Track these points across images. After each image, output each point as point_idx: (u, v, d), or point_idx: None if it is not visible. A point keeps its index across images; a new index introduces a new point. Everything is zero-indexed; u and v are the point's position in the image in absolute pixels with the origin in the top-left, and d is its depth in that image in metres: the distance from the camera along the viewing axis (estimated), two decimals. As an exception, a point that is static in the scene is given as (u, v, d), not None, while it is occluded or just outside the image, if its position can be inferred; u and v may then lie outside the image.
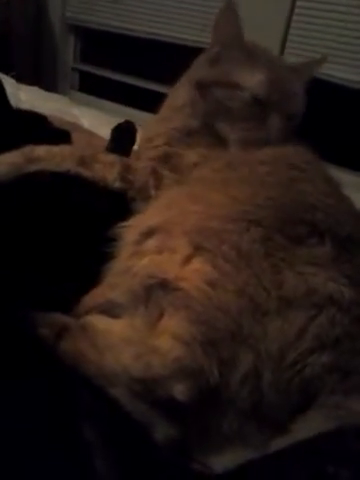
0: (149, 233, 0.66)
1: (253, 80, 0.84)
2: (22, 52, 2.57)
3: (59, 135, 0.93)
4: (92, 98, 2.55)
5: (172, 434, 0.53)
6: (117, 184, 0.83)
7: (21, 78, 1.87)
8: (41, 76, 2.69)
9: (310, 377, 0.52)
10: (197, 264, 0.58)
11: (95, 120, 1.42)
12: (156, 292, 0.59)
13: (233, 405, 0.52)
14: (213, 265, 0.57)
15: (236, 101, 0.86)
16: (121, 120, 1.17)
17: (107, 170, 0.83)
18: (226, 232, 0.60)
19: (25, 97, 1.36)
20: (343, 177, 0.88)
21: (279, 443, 0.51)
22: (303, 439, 0.49)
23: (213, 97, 0.88)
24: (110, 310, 0.65)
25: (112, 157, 0.86)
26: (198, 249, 0.60)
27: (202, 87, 0.89)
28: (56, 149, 0.85)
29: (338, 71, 1.93)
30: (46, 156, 0.82)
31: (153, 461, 0.49)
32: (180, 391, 0.51)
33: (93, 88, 2.67)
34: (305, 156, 0.84)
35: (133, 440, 0.50)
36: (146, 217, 0.71)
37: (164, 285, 0.59)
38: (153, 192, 0.83)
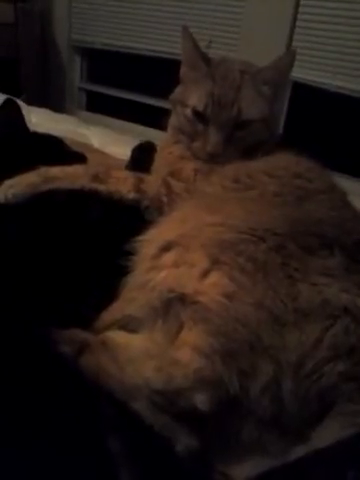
0: (166, 247, 0.68)
1: (194, 97, 0.92)
2: (30, 74, 2.63)
3: (75, 157, 0.95)
4: (99, 116, 2.59)
5: (193, 445, 0.54)
6: (131, 195, 0.85)
7: (29, 100, 1.92)
8: (49, 97, 2.75)
9: (327, 385, 0.53)
10: (214, 278, 0.60)
11: (105, 139, 1.46)
12: (175, 306, 0.61)
13: (253, 414, 0.54)
14: (230, 278, 0.59)
15: (184, 117, 0.94)
16: (130, 138, 1.21)
17: (121, 183, 0.87)
18: (242, 243, 0.62)
19: (36, 119, 1.40)
20: (346, 184, 0.91)
21: (298, 451, 0.52)
22: (322, 447, 0.50)
23: (178, 114, 0.97)
24: (128, 325, 0.67)
25: (125, 172, 0.90)
26: (215, 263, 0.61)
27: (173, 105, 0.99)
28: (70, 168, 0.88)
29: (340, 81, 1.96)
30: (61, 175, 0.86)
31: (176, 472, 0.50)
32: (201, 401, 0.53)
33: (100, 107, 2.72)
34: (307, 164, 0.88)
35: (156, 452, 0.51)
36: (162, 231, 0.73)
37: (183, 299, 0.60)
38: (165, 199, 0.86)
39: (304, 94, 2.13)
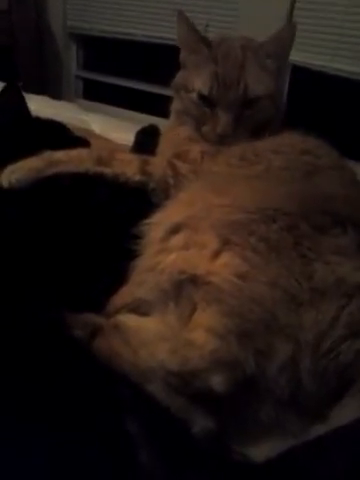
0: (175, 229, 0.67)
1: (198, 81, 0.90)
2: (25, 62, 2.59)
3: (79, 142, 0.94)
4: (97, 105, 2.56)
5: (209, 427, 0.54)
6: (137, 178, 0.84)
7: (25, 88, 1.89)
8: (45, 85, 2.71)
9: (345, 364, 0.53)
10: (226, 258, 0.59)
11: (106, 125, 1.44)
12: (186, 288, 0.60)
13: (271, 394, 0.53)
14: (243, 258, 0.58)
15: (190, 102, 0.92)
16: (131, 124, 1.19)
17: (126, 166, 0.85)
18: (253, 223, 0.61)
19: (34, 106, 1.37)
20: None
21: (318, 430, 0.51)
22: (342, 425, 0.49)
23: (182, 99, 0.95)
24: (139, 308, 0.66)
25: (130, 155, 0.89)
26: (226, 243, 0.60)
27: (175, 91, 0.97)
28: (74, 152, 0.86)
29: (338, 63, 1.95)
30: (65, 159, 0.84)
31: (194, 453, 0.49)
32: (218, 382, 0.52)
33: (97, 95, 2.69)
34: (315, 142, 0.87)
35: (173, 433, 0.50)
36: (170, 213, 0.72)
37: (194, 280, 0.59)
38: (172, 181, 0.85)
39: (303, 77, 2.11)
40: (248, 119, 0.89)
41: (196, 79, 0.91)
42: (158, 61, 2.43)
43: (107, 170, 0.84)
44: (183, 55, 0.97)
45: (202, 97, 0.89)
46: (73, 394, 0.48)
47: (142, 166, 0.86)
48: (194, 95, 0.91)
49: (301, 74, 2.07)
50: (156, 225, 0.72)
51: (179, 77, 0.97)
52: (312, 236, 0.60)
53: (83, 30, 2.60)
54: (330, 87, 2.10)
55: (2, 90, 0.91)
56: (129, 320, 0.63)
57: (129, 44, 2.46)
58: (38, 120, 0.93)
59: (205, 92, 0.88)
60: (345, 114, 2.11)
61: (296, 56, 2.00)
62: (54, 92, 2.62)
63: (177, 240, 0.66)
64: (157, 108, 1.05)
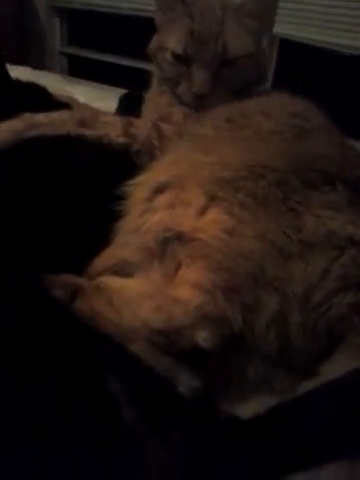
0: (160, 189, 0.65)
1: (172, 39, 0.86)
2: (6, 37, 2.51)
3: (60, 106, 0.90)
4: (82, 81, 2.50)
5: (196, 385, 0.52)
6: (121, 139, 0.81)
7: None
8: (28, 61, 2.64)
9: (336, 317, 0.51)
10: (213, 214, 0.57)
11: (89, 95, 1.40)
12: (172, 245, 0.58)
13: (258, 350, 0.51)
14: (230, 213, 0.56)
15: (165, 62, 0.89)
16: (116, 94, 1.15)
17: (109, 127, 0.83)
18: (240, 180, 0.59)
19: (15, 75, 1.33)
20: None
21: (306, 387, 0.50)
22: (332, 379, 0.48)
23: (158, 62, 0.92)
24: (122, 270, 0.64)
25: (113, 116, 0.86)
26: (213, 199, 0.58)
27: (153, 56, 0.93)
28: (55, 114, 0.83)
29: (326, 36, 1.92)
30: (45, 121, 0.81)
31: (178, 411, 0.47)
32: (204, 338, 0.50)
33: (82, 71, 2.63)
34: (303, 104, 0.85)
35: (157, 392, 0.48)
36: (155, 174, 0.69)
37: (180, 238, 0.57)
38: (156, 143, 0.82)
39: (290, 51, 2.08)
40: (227, 79, 0.85)
41: (170, 37, 0.87)
42: (146, 36, 2.38)
43: (90, 132, 0.81)
44: (158, 15, 0.93)
45: (177, 56, 0.85)
46: (52, 351, 0.45)
47: (126, 128, 0.83)
48: (168, 54, 0.87)
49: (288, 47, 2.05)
50: (140, 185, 0.69)
51: (154, 40, 0.93)
52: (302, 191, 0.58)
53: (66, 3, 2.53)
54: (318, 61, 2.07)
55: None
56: (112, 281, 0.60)
57: (115, 18, 2.40)
58: (18, 83, 0.89)
59: (179, 50, 0.85)
60: (333, 88, 2.09)
61: (284, 29, 1.98)
62: (38, 68, 2.55)
63: (162, 199, 0.64)
64: (145, 84, 1.01)
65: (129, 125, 0.83)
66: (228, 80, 0.85)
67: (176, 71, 0.88)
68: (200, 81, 0.83)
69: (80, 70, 2.70)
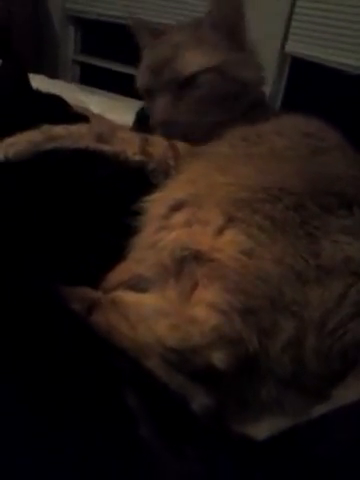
0: (177, 206, 0.65)
1: (138, 76, 0.88)
2: (22, 44, 2.54)
3: (79, 118, 0.92)
4: (94, 89, 2.53)
5: (208, 404, 0.52)
6: (137, 157, 0.81)
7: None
8: (41, 69, 2.67)
9: (351, 342, 0.52)
10: (231, 235, 0.58)
11: (103, 106, 1.42)
12: (189, 264, 0.59)
13: (272, 373, 0.52)
14: (248, 235, 0.57)
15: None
16: (130, 105, 1.17)
17: (126, 144, 0.83)
18: (258, 202, 0.60)
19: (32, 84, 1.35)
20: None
21: (319, 410, 0.50)
22: (345, 404, 0.48)
23: None
24: (137, 285, 0.64)
25: (130, 133, 0.86)
26: (231, 220, 0.59)
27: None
28: (74, 127, 0.84)
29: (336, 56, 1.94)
30: (64, 134, 0.82)
31: (194, 429, 0.48)
32: (219, 359, 0.51)
33: (94, 80, 2.66)
34: (318, 124, 0.85)
35: (172, 409, 0.49)
36: (172, 191, 0.70)
37: (197, 257, 0.58)
38: (172, 162, 0.82)
39: (302, 69, 2.10)
40: (193, 99, 0.83)
41: (137, 75, 0.88)
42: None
43: (107, 147, 0.82)
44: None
45: (144, 91, 0.87)
46: (71, 365, 0.46)
47: (143, 146, 0.83)
48: (141, 92, 0.88)
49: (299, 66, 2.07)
50: (157, 202, 0.70)
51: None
52: (319, 215, 0.59)
53: (81, 13, 2.56)
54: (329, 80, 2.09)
55: (3, 62, 0.88)
56: (128, 296, 0.61)
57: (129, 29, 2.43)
58: (38, 93, 0.91)
59: (142, 85, 0.86)
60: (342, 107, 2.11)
61: (296, 48, 2.00)
62: (50, 76, 2.58)
63: (179, 217, 0.64)
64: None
65: (145, 143, 0.83)
66: (195, 100, 0.83)
67: (147, 105, 0.89)
68: (157, 109, 0.84)
69: (92, 78, 2.73)
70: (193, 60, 0.81)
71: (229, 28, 0.82)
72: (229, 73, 0.82)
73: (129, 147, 0.83)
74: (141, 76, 0.86)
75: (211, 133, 0.83)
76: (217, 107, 0.83)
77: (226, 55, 0.82)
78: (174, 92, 0.83)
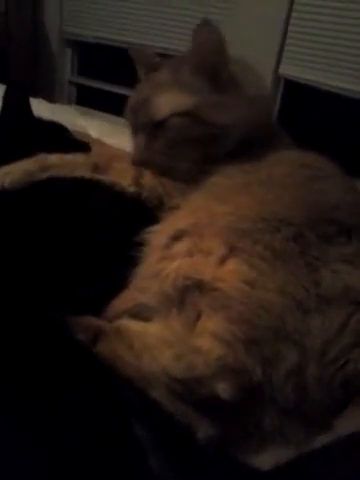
0: (178, 236, 0.67)
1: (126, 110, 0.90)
2: (19, 65, 2.58)
3: (80, 147, 0.93)
4: (91, 111, 2.56)
5: (213, 434, 0.53)
6: (132, 189, 0.82)
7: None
8: (38, 90, 2.70)
9: (352, 372, 0.53)
10: (233, 265, 0.59)
11: (102, 130, 1.43)
12: (191, 293, 0.60)
13: (275, 402, 0.53)
14: (250, 265, 0.58)
15: None
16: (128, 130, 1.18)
17: (121, 176, 0.84)
18: (258, 232, 0.61)
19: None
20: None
21: (322, 440, 0.51)
22: (348, 434, 0.49)
23: None
24: (140, 313, 0.65)
25: (126, 164, 0.87)
26: (232, 250, 0.60)
27: None
28: (69, 157, 0.85)
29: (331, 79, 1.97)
30: (59, 163, 0.83)
31: (201, 459, 0.49)
32: (224, 389, 0.52)
33: (90, 102, 2.69)
34: (313, 156, 0.86)
35: (179, 439, 0.50)
36: (172, 222, 0.72)
37: (200, 286, 0.59)
38: (165, 197, 0.83)
39: (296, 92, 2.13)
40: (164, 140, 0.84)
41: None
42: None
43: (102, 177, 0.83)
44: None
45: (129, 128, 0.89)
46: (79, 398, 0.47)
47: (136, 177, 0.84)
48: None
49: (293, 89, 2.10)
50: (158, 233, 0.71)
51: None
52: (318, 245, 0.60)
53: (79, 36, 2.60)
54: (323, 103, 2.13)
55: (7, 88, 0.90)
56: (132, 324, 0.62)
57: (124, 51, 2.47)
58: (40, 121, 0.92)
59: (127, 119, 0.89)
60: (339, 130, 2.14)
61: (290, 71, 2.04)
62: (47, 97, 2.60)
63: (180, 247, 0.66)
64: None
65: (140, 175, 0.84)
66: (166, 142, 0.84)
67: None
68: (134, 148, 0.86)
69: (88, 100, 2.76)
70: (165, 103, 0.82)
71: (210, 70, 0.81)
72: (203, 117, 0.81)
73: (123, 179, 0.83)
74: (127, 111, 0.88)
75: (193, 175, 0.83)
76: (192, 150, 0.83)
77: (203, 98, 0.81)
78: (150, 133, 0.84)
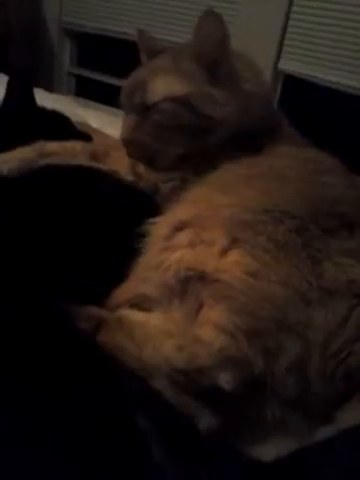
0: (179, 227, 0.66)
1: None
2: (18, 56, 2.55)
3: (81, 136, 0.93)
4: (89, 102, 2.54)
5: (214, 425, 0.53)
6: (129, 177, 0.83)
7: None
8: (37, 81, 2.68)
9: (354, 365, 0.53)
10: (236, 256, 0.59)
11: (102, 120, 1.43)
12: (194, 284, 0.59)
13: (277, 394, 0.53)
14: (253, 256, 0.58)
15: None
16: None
17: (119, 164, 0.84)
18: (261, 224, 0.61)
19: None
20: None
21: (324, 432, 0.51)
22: (350, 426, 0.49)
23: None
24: (142, 304, 0.65)
25: (122, 153, 0.87)
26: (235, 241, 0.60)
27: None
28: (68, 144, 0.85)
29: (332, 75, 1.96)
30: (58, 150, 0.83)
31: (204, 450, 0.49)
32: (226, 380, 0.51)
33: (89, 93, 2.67)
34: (314, 151, 0.86)
35: (182, 430, 0.50)
36: (174, 212, 0.71)
37: (202, 277, 0.59)
38: (160, 184, 0.83)
39: (295, 88, 2.13)
40: (155, 123, 0.83)
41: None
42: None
43: (100, 166, 0.83)
44: None
45: (122, 108, 0.89)
46: (81, 388, 0.47)
47: (133, 166, 0.85)
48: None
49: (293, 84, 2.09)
50: (160, 224, 0.71)
51: None
52: (321, 238, 0.60)
53: (78, 26, 2.58)
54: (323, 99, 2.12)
55: (10, 78, 0.89)
56: (134, 315, 0.62)
57: (124, 43, 2.46)
58: (42, 110, 0.92)
59: (120, 103, 0.89)
60: (338, 126, 2.13)
61: (289, 66, 2.03)
62: (46, 88, 2.58)
63: (182, 237, 0.65)
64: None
65: (136, 164, 0.85)
66: (155, 124, 0.84)
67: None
68: (123, 127, 0.86)
69: (87, 91, 2.74)
70: (160, 88, 0.82)
71: (210, 61, 0.82)
72: (194, 106, 0.81)
73: (121, 167, 0.84)
74: (121, 93, 0.88)
75: (180, 164, 0.83)
76: (180, 136, 0.83)
77: (198, 88, 0.82)
78: (141, 114, 0.84)
